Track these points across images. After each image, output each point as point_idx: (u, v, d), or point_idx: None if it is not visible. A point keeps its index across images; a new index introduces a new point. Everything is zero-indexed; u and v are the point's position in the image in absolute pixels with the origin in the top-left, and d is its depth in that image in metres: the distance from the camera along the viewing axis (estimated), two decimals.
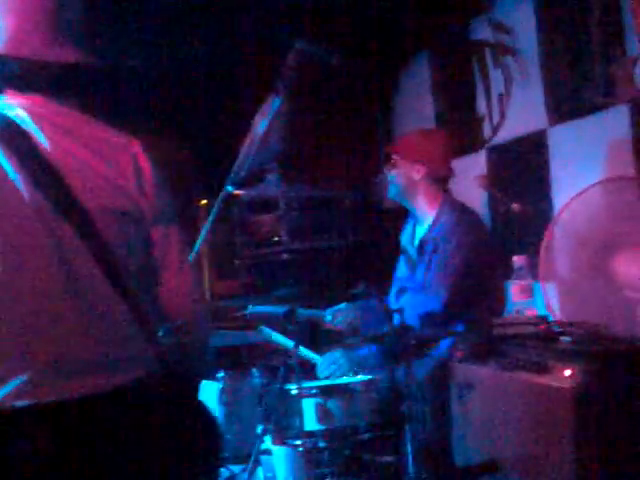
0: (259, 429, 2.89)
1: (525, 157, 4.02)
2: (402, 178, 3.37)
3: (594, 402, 1.99)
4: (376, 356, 3.08)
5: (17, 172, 1.58)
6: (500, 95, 4.20)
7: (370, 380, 2.95)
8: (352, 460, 2.87)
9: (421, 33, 4.76)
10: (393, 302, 3.41)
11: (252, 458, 2.86)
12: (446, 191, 3.41)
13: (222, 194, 3.29)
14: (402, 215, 3.61)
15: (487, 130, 4.33)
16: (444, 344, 2.92)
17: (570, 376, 2.01)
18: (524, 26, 3.96)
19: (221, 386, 2.99)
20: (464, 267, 3.10)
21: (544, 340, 2.27)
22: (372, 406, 2.88)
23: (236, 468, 2.91)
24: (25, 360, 1.52)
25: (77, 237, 1.58)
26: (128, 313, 1.62)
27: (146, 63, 4.66)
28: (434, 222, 3.30)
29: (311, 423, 2.87)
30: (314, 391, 2.91)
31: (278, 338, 3.31)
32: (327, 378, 3.20)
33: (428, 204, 3.35)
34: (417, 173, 3.33)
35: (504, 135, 4.22)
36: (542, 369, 2.11)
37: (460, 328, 2.97)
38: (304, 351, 3.25)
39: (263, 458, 2.97)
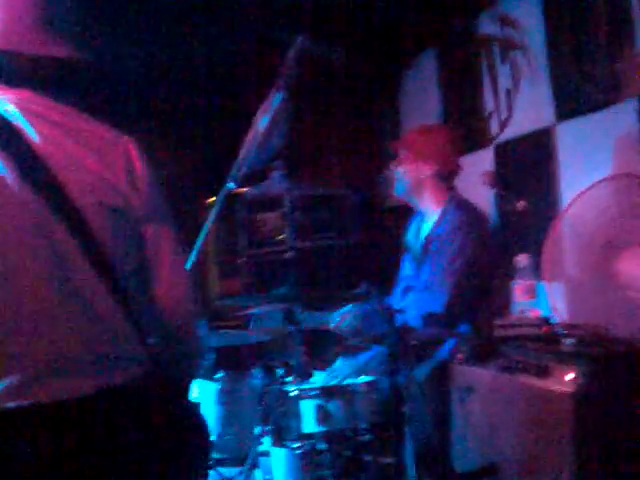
0: (257, 430, 2.85)
1: (532, 154, 3.95)
2: (410, 175, 3.33)
3: (595, 405, 1.94)
4: (378, 359, 3.04)
5: (6, 167, 1.55)
6: (508, 91, 4.13)
7: (370, 381, 2.90)
8: (352, 462, 2.83)
9: (428, 29, 4.72)
10: (398, 301, 3.36)
11: (249, 460, 2.82)
12: (452, 188, 3.36)
13: (223, 192, 3.25)
14: (406, 214, 3.57)
15: (494, 127, 4.27)
16: (446, 346, 2.87)
17: (571, 380, 1.95)
18: (531, 21, 3.90)
19: (220, 386, 2.95)
20: (467, 267, 3.05)
21: (546, 342, 2.22)
22: (372, 408, 2.84)
23: (233, 470, 2.87)
24: (16, 361, 1.49)
25: (68, 233, 1.55)
26: (121, 312, 1.59)
27: (147, 61, 4.64)
28: (439, 220, 3.25)
29: (310, 425, 2.83)
30: (314, 392, 2.86)
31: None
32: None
33: (434, 201, 3.30)
34: (426, 170, 3.29)
35: (511, 132, 4.16)
36: (543, 372, 2.06)
37: (463, 329, 2.91)
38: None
39: (261, 460, 2.93)
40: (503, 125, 4.19)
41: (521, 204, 3.07)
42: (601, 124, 3.51)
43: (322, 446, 2.82)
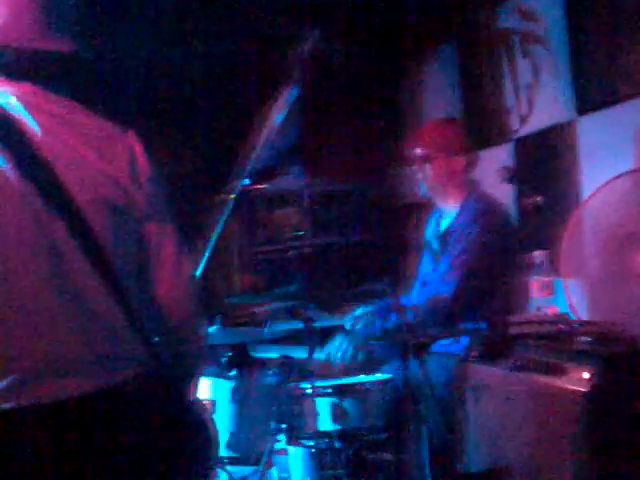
0: (272, 429, 2.84)
1: (552, 149, 3.89)
2: (440, 172, 3.27)
3: (610, 405, 1.89)
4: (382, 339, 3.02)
5: (6, 161, 1.53)
6: (528, 85, 4.08)
7: (386, 379, 2.88)
8: (367, 460, 2.81)
9: (448, 23, 4.66)
10: (416, 297, 3.33)
11: (264, 458, 2.80)
12: (472, 181, 3.32)
13: (237, 188, 3.23)
14: (423, 211, 3.53)
15: (514, 121, 4.21)
16: (462, 342, 2.83)
17: (586, 378, 1.90)
18: (552, 13, 3.84)
19: (234, 384, 2.92)
20: (481, 258, 3.01)
21: (561, 340, 2.16)
22: (388, 406, 2.82)
23: (248, 469, 2.85)
24: (15, 361, 1.48)
25: (68, 231, 1.54)
26: (121, 312, 1.57)
27: (148, 60, 4.63)
28: (459, 213, 3.21)
29: (326, 423, 2.81)
30: (329, 390, 2.84)
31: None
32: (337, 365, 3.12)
33: (453, 195, 3.28)
34: (457, 165, 3.25)
35: (531, 126, 4.10)
36: (557, 371, 2.01)
37: (478, 325, 2.87)
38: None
39: (277, 458, 2.91)
40: (523, 120, 4.13)
41: (539, 199, 3.01)
42: (622, 118, 3.45)
43: (338, 444, 2.81)
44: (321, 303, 3.44)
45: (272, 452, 2.87)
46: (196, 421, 1.71)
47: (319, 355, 3.18)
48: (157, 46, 4.51)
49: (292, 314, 3.27)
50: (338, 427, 2.80)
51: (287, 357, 3.05)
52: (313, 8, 4.12)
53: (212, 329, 3.24)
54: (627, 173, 2.77)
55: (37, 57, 1.67)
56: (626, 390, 1.94)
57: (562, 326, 2.21)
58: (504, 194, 3.88)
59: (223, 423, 2.88)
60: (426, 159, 3.28)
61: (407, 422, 2.67)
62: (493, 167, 3.64)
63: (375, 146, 5.21)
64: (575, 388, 1.92)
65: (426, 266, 3.37)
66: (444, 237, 3.22)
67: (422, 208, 3.54)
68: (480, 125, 4.43)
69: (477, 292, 3.00)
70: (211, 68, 4.92)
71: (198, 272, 3.21)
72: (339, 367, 3.16)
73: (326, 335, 3.35)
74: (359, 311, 3.30)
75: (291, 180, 5.02)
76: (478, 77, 4.55)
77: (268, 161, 3.18)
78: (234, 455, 2.85)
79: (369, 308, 3.27)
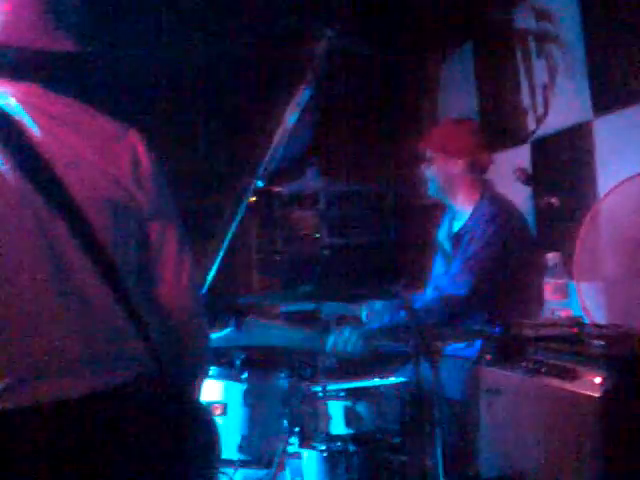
0: (285, 432, 2.82)
1: (570, 150, 3.85)
2: (441, 174, 3.27)
3: (624, 410, 1.86)
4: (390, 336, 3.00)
5: (6, 162, 1.52)
6: (544, 86, 4.04)
7: (399, 383, 2.86)
8: (381, 464, 2.79)
9: (465, 23, 4.63)
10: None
11: (276, 461, 2.79)
12: (485, 183, 3.29)
13: (250, 190, 3.22)
14: (442, 212, 3.51)
15: (531, 122, 4.17)
16: (476, 346, 2.81)
17: (599, 383, 1.87)
18: (568, 13, 3.79)
19: (245, 387, 2.91)
20: (494, 259, 2.99)
21: (575, 344, 2.13)
22: (401, 409, 2.80)
23: (260, 472, 2.84)
24: (15, 360, 1.48)
25: (69, 231, 1.53)
26: (122, 311, 1.56)
27: (148, 59, 4.63)
28: (472, 214, 3.19)
29: (339, 426, 2.80)
30: (342, 394, 2.83)
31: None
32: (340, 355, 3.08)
33: (468, 197, 3.25)
34: (456, 166, 3.23)
35: (548, 127, 4.05)
36: (570, 375, 1.98)
37: (492, 328, 2.84)
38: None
39: (289, 462, 2.90)
40: (539, 121, 4.09)
41: (555, 201, 2.98)
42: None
43: (351, 448, 2.79)
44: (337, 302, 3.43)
45: (285, 455, 2.86)
46: (198, 423, 1.71)
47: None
48: (166, 45, 4.51)
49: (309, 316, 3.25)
50: (351, 431, 2.79)
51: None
52: (328, 6, 4.09)
53: (226, 331, 3.24)
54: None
55: (39, 57, 1.66)
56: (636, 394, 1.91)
57: (576, 329, 2.17)
58: (521, 195, 3.85)
59: (235, 426, 2.87)
60: (430, 160, 3.28)
61: (420, 426, 2.64)
62: (511, 168, 3.62)
63: (394, 146, 5.19)
64: (588, 393, 1.89)
65: (438, 267, 3.35)
66: (456, 239, 3.20)
67: (440, 209, 3.52)
68: (497, 126, 4.39)
69: (491, 294, 2.97)
70: (221, 68, 4.92)
71: (211, 273, 3.21)
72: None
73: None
74: (377, 305, 3.28)
75: (308, 181, 5.00)
76: (495, 78, 4.51)
77: (284, 162, 3.17)
78: (246, 458, 2.84)
79: (386, 303, 3.25)
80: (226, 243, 3.26)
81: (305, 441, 2.84)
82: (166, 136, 4.87)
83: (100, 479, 1.49)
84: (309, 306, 3.35)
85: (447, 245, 3.30)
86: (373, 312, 3.29)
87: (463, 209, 3.26)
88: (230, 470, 2.80)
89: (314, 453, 2.83)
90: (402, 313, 2.91)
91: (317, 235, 5.02)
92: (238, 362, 3.08)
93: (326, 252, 4.97)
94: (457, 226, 3.27)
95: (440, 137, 3.36)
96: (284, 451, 2.83)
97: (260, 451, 2.85)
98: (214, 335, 3.20)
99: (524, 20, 4.14)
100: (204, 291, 3.25)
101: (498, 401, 2.29)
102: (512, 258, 3.01)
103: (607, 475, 1.86)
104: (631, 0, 3.41)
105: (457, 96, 4.90)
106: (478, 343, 2.77)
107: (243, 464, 2.83)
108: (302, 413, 2.84)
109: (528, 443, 2.15)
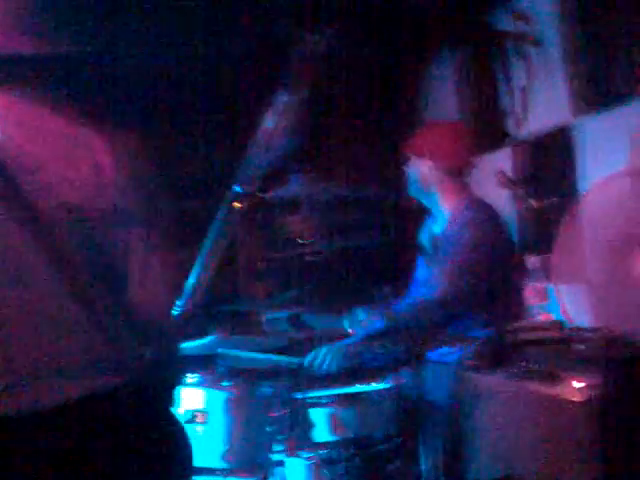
0: (268, 440, 2.80)
1: (550, 152, 3.86)
2: (421, 176, 3.28)
3: (608, 414, 1.85)
4: (369, 348, 2.98)
5: None
6: (523, 88, 4.04)
7: (384, 389, 2.85)
8: (368, 471, 2.78)
9: (443, 27, 4.63)
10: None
11: (260, 470, 2.77)
12: (465, 187, 3.29)
13: (229, 195, 3.21)
14: (426, 214, 3.51)
15: (511, 125, 4.18)
16: (459, 351, 2.80)
17: (581, 387, 1.87)
18: (545, 14, 3.80)
19: (227, 395, 2.89)
20: (472, 263, 2.98)
21: (557, 348, 2.13)
22: (387, 416, 2.79)
23: None
24: None
25: (28, 237, 1.49)
26: (87, 319, 1.52)
27: (147, 60, 4.60)
28: (450, 219, 3.18)
29: (324, 434, 2.78)
30: (325, 400, 2.81)
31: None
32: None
33: (446, 200, 3.25)
34: (433, 168, 3.23)
35: (528, 130, 4.06)
36: (553, 379, 1.97)
37: (476, 333, 2.84)
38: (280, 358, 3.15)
39: (276, 470, 2.88)
40: (520, 124, 4.10)
41: (537, 203, 2.98)
42: (620, 119, 3.41)
43: (336, 455, 2.78)
44: (321, 309, 3.42)
45: (269, 463, 2.84)
46: (170, 432, 1.68)
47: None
48: (155, 47, 4.49)
49: (290, 323, 3.24)
50: (336, 438, 2.77)
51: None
52: (313, 10, 4.09)
53: (208, 338, 3.22)
54: (622, 174, 2.73)
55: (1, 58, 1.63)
56: (626, 397, 1.90)
57: (557, 333, 2.17)
58: (502, 198, 3.85)
59: (217, 434, 2.85)
60: (410, 162, 3.28)
61: (406, 432, 2.64)
62: (492, 171, 3.61)
63: (381, 149, 5.19)
64: (570, 397, 1.89)
65: (421, 270, 3.34)
66: (436, 243, 3.20)
67: (424, 212, 3.51)
68: (478, 129, 4.40)
69: (470, 297, 2.96)
70: (211, 70, 4.90)
71: (192, 280, 3.19)
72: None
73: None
74: (360, 314, 3.27)
75: (293, 187, 4.98)
76: (475, 81, 4.52)
77: (270, 166, 3.15)
78: (229, 467, 2.82)
79: (370, 312, 3.24)
80: (209, 249, 3.25)
81: (289, 449, 2.82)
82: (146, 142, 4.85)
83: None
84: (294, 312, 3.33)
85: (429, 249, 3.29)
86: (356, 321, 3.28)
87: (443, 211, 3.26)
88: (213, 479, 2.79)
89: (298, 461, 2.81)
90: (383, 322, 2.90)
91: (301, 241, 5.00)
92: (222, 369, 3.07)
93: (311, 257, 4.95)
94: (437, 229, 3.27)
95: (421, 139, 3.36)
96: (268, 459, 2.81)
97: (244, 460, 2.83)
98: (197, 342, 3.18)
99: (503, 23, 4.15)
100: (186, 298, 3.23)
101: (483, 406, 2.28)
102: (491, 262, 3.00)
103: (594, 478, 1.85)
104: (608, 2, 3.42)
105: (438, 99, 4.90)
106: (461, 349, 2.77)
107: (226, 473, 2.81)
108: (286, 421, 2.82)
109: (514, 448, 2.14)
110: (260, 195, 4.34)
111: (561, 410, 1.91)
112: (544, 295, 2.45)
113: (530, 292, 2.45)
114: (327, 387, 2.95)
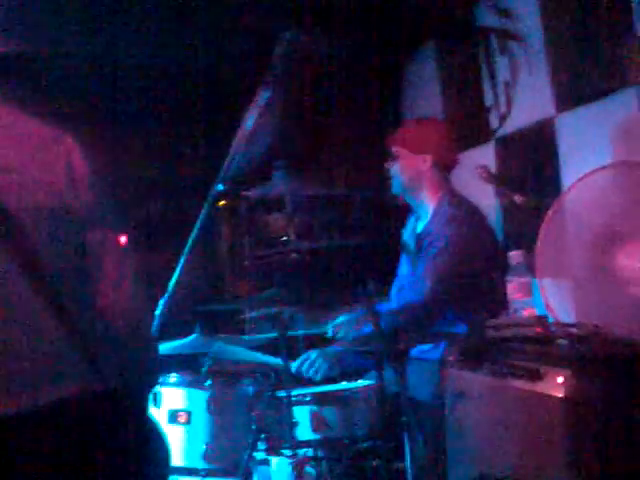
0: (250, 439, 2.78)
1: (533, 147, 3.84)
2: (407, 171, 3.25)
3: (589, 409, 1.83)
4: (356, 354, 2.97)
5: None
6: (506, 83, 4.03)
7: (367, 386, 2.83)
8: (351, 470, 2.76)
9: (426, 21, 4.60)
10: (394, 301, 3.28)
11: (242, 469, 2.74)
12: (447, 183, 3.27)
13: (212, 193, 3.19)
14: (409, 212, 3.49)
15: (494, 121, 4.16)
16: (438, 348, 2.79)
17: (563, 383, 1.85)
18: (528, 9, 3.79)
19: (209, 394, 2.86)
20: (454, 263, 2.97)
21: (539, 343, 2.11)
22: (370, 414, 2.77)
23: None
24: None
25: (0, 241, 1.45)
26: (58, 323, 1.49)
27: (147, 61, 4.58)
28: (432, 216, 3.17)
29: (306, 432, 2.76)
30: (308, 398, 2.79)
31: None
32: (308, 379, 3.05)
33: (431, 197, 3.23)
34: (423, 164, 3.21)
35: (512, 125, 4.04)
36: (535, 375, 1.95)
37: (458, 329, 2.82)
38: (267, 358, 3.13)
39: (259, 469, 2.86)
40: (503, 119, 4.08)
41: (518, 198, 2.96)
42: (603, 113, 3.40)
43: (319, 453, 2.75)
44: (303, 308, 3.40)
45: (252, 463, 2.81)
46: (146, 436, 1.65)
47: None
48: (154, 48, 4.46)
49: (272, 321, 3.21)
50: (319, 436, 2.75)
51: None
52: (287, 8, 4.06)
53: (190, 337, 3.19)
54: (605, 168, 2.71)
55: None
56: (607, 393, 1.88)
57: (540, 329, 2.15)
58: (485, 194, 3.83)
59: (200, 434, 2.83)
60: (394, 158, 3.26)
61: (388, 430, 2.62)
62: (475, 167, 3.59)
63: (364, 147, 5.16)
64: (551, 393, 1.86)
65: (404, 268, 3.32)
66: (418, 241, 3.18)
67: (407, 210, 3.50)
68: (461, 125, 4.38)
69: (454, 296, 2.95)
70: (191, 69, 4.87)
71: (174, 279, 3.16)
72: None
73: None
74: (341, 318, 3.25)
75: (275, 184, 4.96)
76: (457, 76, 4.50)
77: (253, 164, 3.13)
78: (212, 467, 2.80)
79: (352, 315, 3.22)
80: (191, 248, 3.22)
81: (272, 448, 2.80)
82: (126, 143, 4.81)
83: None
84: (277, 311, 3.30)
85: (412, 246, 3.27)
86: (339, 325, 3.25)
87: (426, 208, 3.24)
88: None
89: (280, 459, 2.78)
90: (368, 326, 2.88)
91: (284, 238, 4.98)
92: (204, 369, 3.04)
93: (294, 256, 4.93)
94: (420, 226, 3.25)
95: (406, 133, 3.35)
96: (251, 458, 2.79)
97: (226, 459, 2.82)
98: (179, 342, 3.15)
99: (486, 18, 4.13)
100: (168, 297, 3.20)
101: (465, 403, 2.26)
102: (474, 259, 2.99)
103: (576, 475, 1.83)
104: None
105: (420, 96, 4.88)
106: (443, 345, 2.76)
107: (209, 473, 2.79)
108: (268, 419, 2.80)
109: (497, 444, 2.12)
110: (243, 193, 4.33)
111: (544, 406, 1.89)
112: (528, 290, 2.43)
113: (514, 287, 2.43)
114: (309, 385, 2.93)
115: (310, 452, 2.75)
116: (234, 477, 2.79)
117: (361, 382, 2.91)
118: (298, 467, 2.74)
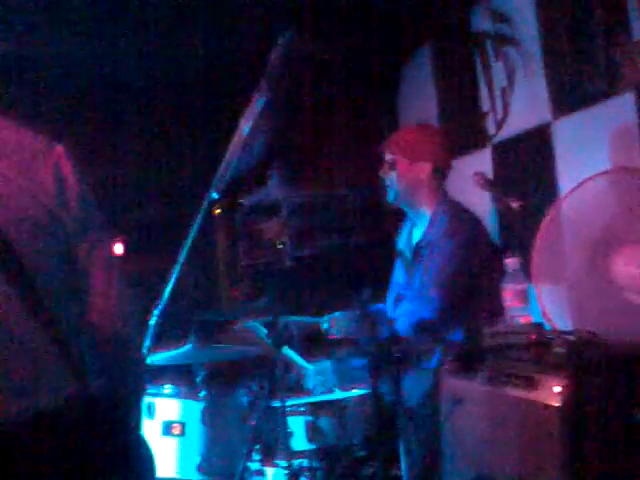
0: (245, 450, 2.75)
1: (530, 152, 3.82)
2: (404, 179, 3.19)
3: (586, 417, 1.81)
4: (366, 369, 2.92)
5: None
6: (503, 89, 4.01)
7: (361, 396, 2.80)
8: (346, 478, 2.73)
9: (422, 26, 4.59)
10: (390, 310, 3.24)
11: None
12: (444, 190, 3.24)
13: (206, 201, 3.15)
14: (404, 217, 3.45)
15: (491, 126, 4.14)
16: (435, 356, 2.76)
17: (559, 392, 1.82)
18: (524, 14, 3.78)
19: (204, 405, 2.83)
20: (458, 274, 2.92)
21: (535, 351, 2.08)
22: (365, 422, 2.74)
23: None
24: None
25: None
26: (44, 335, 1.47)
27: (147, 63, 4.57)
28: (430, 225, 3.13)
29: (301, 442, 2.73)
30: (303, 408, 2.77)
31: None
32: (314, 389, 3.02)
33: (428, 204, 3.18)
34: (422, 171, 3.16)
35: (508, 130, 4.03)
36: (531, 383, 1.92)
37: (455, 336, 2.79)
38: (294, 357, 3.10)
39: (255, 479, 2.83)
40: (500, 124, 4.06)
41: (514, 204, 2.93)
42: (599, 118, 3.39)
43: (314, 463, 2.73)
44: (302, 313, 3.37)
45: (247, 473, 2.78)
46: (132, 448, 1.62)
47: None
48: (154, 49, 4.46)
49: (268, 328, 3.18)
50: (314, 446, 2.73)
51: None
52: (282, 12, 4.04)
53: (186, 348, 3.16)
54: (602, 174, 2.70)
55: None
56: (604, 400, 1.86)
57: (536, 336, 2.12)
58: (481, 199, 3.80)
59: (194, 445, 2.80)
60: (391, 165, 3.21)
61: (384, 438, 2.58)
62: (472, 173, 3.57)
63: (359, 150, 5.15)
64: (548, 402, 1.84)
65: (399, 275, 3.28)
66: (416, 250, 3.14)
67: (402, 214, 3.46)
68: (457, 130, 4.36)
69: (459, 307, 2.91)
70: (185, 77, 4.87)
71: (169, 287, 3.13)
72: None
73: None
74: (336, 314, 3.20)
75: (270, 190, 4.95)
76: (454, 81, 4.48)
77: (248, 171, 3.10)
78: (206, 478, 2.77)
79: (349, 313, 3.18)
80: (186, 256, 3.19)
81: (267, 458, 2.77)
82: (121, 151, 4.81)
83: None
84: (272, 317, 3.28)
85: (408, 254, 3.23)
86: (334, 322, 3.21)
87: (423, 216, 3.20)
88: None
89: (276, 470, 2.76)
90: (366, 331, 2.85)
91: (280, 245, 4.95)
92: (198, 379, 3.01)
93: (290, 262, 4.91)
94: (417, 234, 3.21)
95: (404, 141, 3.28)
96: (246, 469, 2.76)
97: (221, 470, 2.79)
98: (173, 352, 3.12)
99: (482, 23, 4.11)
100: (162, 306, 3.17)
101: (461, 410, 2.23)
102: (475, 268, 2.95)
103: None
104: (587, 2, 3.39)
105: (416, 100, 4.86)
106: (436, 354, 2.73)
107: None
108: (263, 429, 2.77)
109: (493, 452, 2.10)
110: (238, 200, 4.30)
111: (540, 414, 1.86)
112: (524, 297, 2.40)
113: (510, 294, 2.39)
114: (303, 395, 2.91)
115: (305, 462, 2.72)
116: None
117: (355, 391, 2.88)
118: (293, 477, 2.71)
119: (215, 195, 3.16)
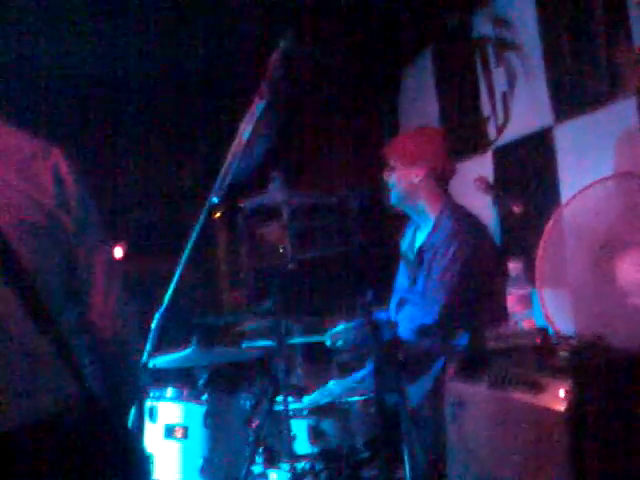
0: (248, 453, 2.75)
1: (531, 157, 3.83)
2: (402, 182, 3.21)
3: (590, 421, 1.82)
4: (370, 377, 2.92)
5: None
6: (504, 93, 4.01)
7: (364, 399, 2.80)
8: None
9: (423, 31, 4.60)
10: (393, 314, 3.25)
11: None
12: (447, 194, 3.24)
13: (207, 206, 3.15)
14: (407, 220, 3.46)
15: (492, 130, 4.14)
16: (440, 360, 2.76)
17: (564, 397, 1.82)
18: (525, 19, 3.78)
19: (206, 409, 2.83)
20: (460, 278, 2.93)
21: (539, 355, 2.08)
22: (368, 425, 2.75)
23: None
24: None
25: None
26: (44, 339, 1.46)
27: (148, 64, 4.58)
28: (433, 228, 3.13)
29: (304, 445, 2.74)
30: (305, 412, 2.77)
31: None
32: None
33: (430, 208, 3.19)
34: (416, 175, 3.17)
35: (509, 135, 4.03)
36: (536, 387, 1.93)
37: (460, 340, 2.79)
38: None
39: None
40: (501, 129, 4.06)
41: (517, 208, 2.93)
42: (600, 123, 3.39)
43: (317, 466, 2.73)
44: (301, 319, 3.37)
45: (250, 476, 2.79)
46: (132, 452, 1.63)
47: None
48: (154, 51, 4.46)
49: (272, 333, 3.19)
50: (317, 449, 2.73)
51: None
52: (282, 16, 4.05)
53: (188, 350, 3.16)
54: (605, 179, 2.70)
55: None
56: (608, 404, 1.87)
57: (540, 340, 2.13)
58: (483, 204, 3.81)
59: (197, 449, 2.80)
60: (391, 169, 3.23)
61: (387, 442, 2.59)
62: (473, 177, 3.57)
63: (361, 153, 5.15)
64: (552, 406, 1.84)
65: (402, 279, 3.29)
66: (419, 254, 3.14)
67: (405, 218, 3.47)
68: (458, 135, 4.36)
69: (462, 312, 2.91)
70: (185, 80, 4.87)
71: (170, 291, 3.13)
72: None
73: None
74: (340, 327, 3.21)
75: (271, 194, 4.94)
76: (455, 85, 4.48)
77: (249, 174, 3.10)
78: None
79: (350, 324, 3.19)
80: (187, 260, 3.19)
81: (270, 461, 2.78)
82: (121, 153, 4.81)
83: None
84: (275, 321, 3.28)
85: (411, 257, 3.24)
86: (337, 334, 3.22)
87: (426, 220, 3.21)
88: None
89: (279, 473, 2.76)
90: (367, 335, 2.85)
91: (282, 249, 4.95)
92: (201, 382, 3.01)
93: (292, 264, 4.90)
94: (420, 238, 3.21)
95: (402, 145, 3.30)
96: (249, 472, 2.76)
97: (223, 473, 2.79)
98: (176, 355, 3.12)
99: (483, 27, 4.12)
100: (164, 309, 3.17)
101: (465, 414, 2.23)
102: (479, 273, 2.95)
103: None
104: (588, 4, 3.40)
105: (417, 104, 4.87)
106: (440, 358, 2.74)
107: None
108: (266, 432, 2.77)
109: (497, 456, 2.10)
110: (239, 204, 4.31)
111: (545, 418, 1.87)
112: (527, 302, 2.40)
113: (513, 299, 2.40)
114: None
115: (308, 465, 2.72)
116: None
117: (358, 395, 2.88)
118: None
119: (215, 200, 3.16)
